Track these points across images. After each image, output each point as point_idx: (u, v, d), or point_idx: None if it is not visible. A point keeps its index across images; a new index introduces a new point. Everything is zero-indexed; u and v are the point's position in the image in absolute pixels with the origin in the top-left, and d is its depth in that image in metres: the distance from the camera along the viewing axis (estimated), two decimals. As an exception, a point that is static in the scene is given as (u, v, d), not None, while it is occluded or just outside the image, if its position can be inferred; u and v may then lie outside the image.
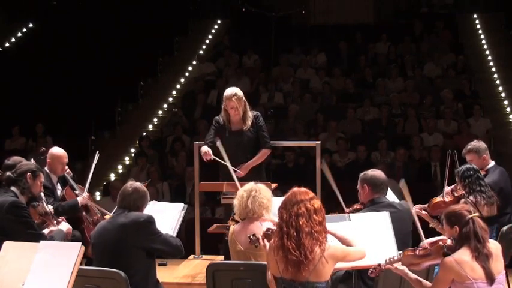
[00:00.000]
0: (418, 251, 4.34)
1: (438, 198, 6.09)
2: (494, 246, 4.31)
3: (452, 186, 6.17)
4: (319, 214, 4.15)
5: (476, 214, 4.30)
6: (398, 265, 4.40)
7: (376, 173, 5.38)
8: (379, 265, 4.42)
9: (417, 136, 11.86)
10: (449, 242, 4.31)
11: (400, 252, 4.42)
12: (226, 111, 6.77)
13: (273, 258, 4.20)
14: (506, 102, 13.84)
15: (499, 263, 4.27)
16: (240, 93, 6.73)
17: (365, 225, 4.86)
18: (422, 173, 11.14)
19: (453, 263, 4.18)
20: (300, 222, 4.09)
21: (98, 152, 7.11)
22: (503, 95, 14.11)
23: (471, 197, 5.82)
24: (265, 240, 4.54)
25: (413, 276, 4.42)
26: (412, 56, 14.72)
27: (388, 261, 4.41)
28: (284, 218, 4.15)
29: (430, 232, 5.94)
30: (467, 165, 6.05)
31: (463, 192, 5.94)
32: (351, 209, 5.54)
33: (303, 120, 12.72)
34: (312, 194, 4.23)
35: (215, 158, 6.60)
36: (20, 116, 13.44)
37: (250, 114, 6.77)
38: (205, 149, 6.62)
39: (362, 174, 5.40)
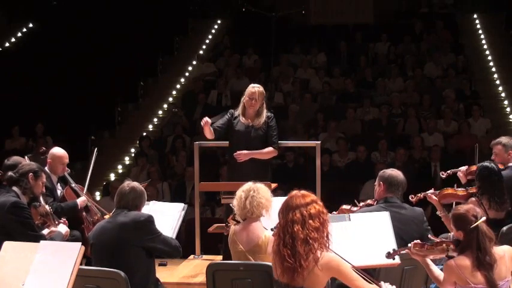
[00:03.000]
0: (426, 246, 4.34)
1: (450, 190, 6.02)
2: (501, 252, 4.23)
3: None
4: (316, 219, 3.92)
5: (483, 219, 4.21)
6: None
7: (395, 172, 5.36)
8: (394, 250, 4.47)
9: (417, 136, 11.86)
10: (452, 246, 4.30)
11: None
12: (243, 106, 6.82)
13: (273, 261, 4.12)
14: (506, 102, 13.83)
15: (504, 270, 4.19)
16: (263, 90, 6.83)
17: (365, 225, 4.85)
18: (422, 173, 11.13)
19: (454, 268, 4.17)
20: (295, 229, 3.90)
21: (96, 149, 7.11)
22: (503, 95, 14.10)
23: (482, 197, 5.77)
24: None
25: (431, 263, 4.44)
26: (412, 56, 14.72)
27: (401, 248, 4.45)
28: (281, 224, 4.01)
29: (435, 220, 5.96)
30: (486, 164, 5.94)
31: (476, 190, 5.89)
32: (363, 204, 5.59)
33: (303, 120, 12.71)
34: (309, 198, 3.98)
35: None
36: (20, 116, 13.43)
37: (265, 114, 6.82)
38: (206, 118, 6.67)
39: (381, 171, 5.42)
